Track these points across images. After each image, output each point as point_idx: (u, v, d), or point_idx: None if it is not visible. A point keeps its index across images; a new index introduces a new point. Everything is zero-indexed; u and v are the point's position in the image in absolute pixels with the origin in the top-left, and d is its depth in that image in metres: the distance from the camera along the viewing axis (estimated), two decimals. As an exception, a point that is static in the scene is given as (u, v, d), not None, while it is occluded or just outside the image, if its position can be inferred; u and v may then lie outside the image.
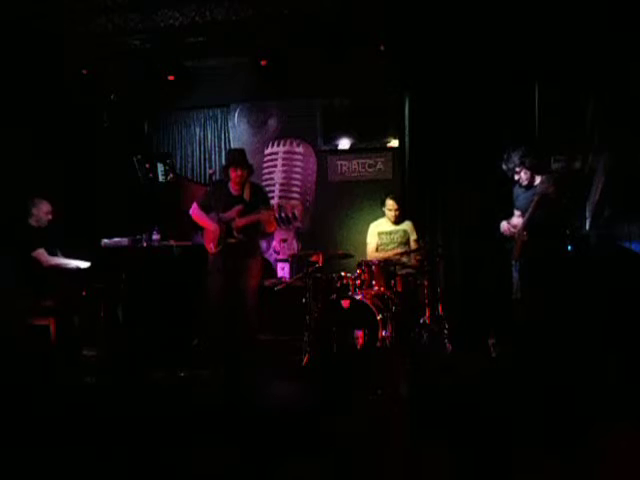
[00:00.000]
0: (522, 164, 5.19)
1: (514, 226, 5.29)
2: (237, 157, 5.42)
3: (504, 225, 5.40)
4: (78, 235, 6.26)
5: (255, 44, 6.77)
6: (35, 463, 3.14)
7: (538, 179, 5.20)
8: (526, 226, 5.18)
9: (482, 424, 3.55)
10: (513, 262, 5.62)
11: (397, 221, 6.33)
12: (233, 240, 5.21)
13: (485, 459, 3.13)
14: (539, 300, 5.21)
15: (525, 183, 5.24)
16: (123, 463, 3.15)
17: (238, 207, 5.26)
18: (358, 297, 5.50)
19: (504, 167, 5.31)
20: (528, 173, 5.20)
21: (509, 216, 5.42)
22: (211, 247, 5.28)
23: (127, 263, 5.90)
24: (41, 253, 5.59)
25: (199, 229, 5.57)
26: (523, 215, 5.22)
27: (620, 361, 4.51)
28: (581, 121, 6.06)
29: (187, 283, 5.76)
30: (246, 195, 5.35)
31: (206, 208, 5.39)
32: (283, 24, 6.40)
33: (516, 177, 5.27)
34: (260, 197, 5.42)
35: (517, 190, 5.37)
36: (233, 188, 5.38)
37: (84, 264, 5.79)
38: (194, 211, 5.42)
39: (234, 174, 5.31)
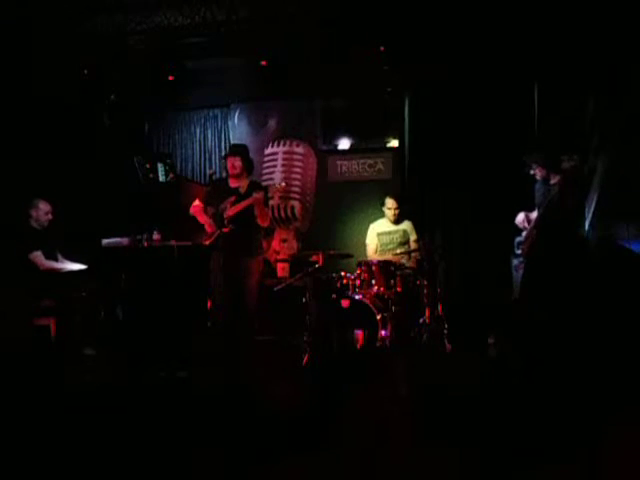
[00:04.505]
0: (535, 161, 5.34)
1: (529, 221, 5.44)
2: (235, 148, 5.48)
3: (521, 216, 5.54)
4: (78, 235, 6.26)
5: (255, 44, 6.77)
6: (35, 463, 3.14)
7: (555, 176, 5.31)
8: (536, 225, 5.29)
9: (482, 424, 3.56)
10: (517, 261, 5.67)
11: (397, 220, 6.33)
12: (226, 230, 5.20)
13: (486, 459, 3.14)
14: (539, 300, 5.22)
15: (539, 178, 5.37)
16: (123, 463, 3.15)
17: (230, 199, 5.25)
18: (358, 297, 5.50)
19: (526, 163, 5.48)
20: (543, 170, 5.34)
21: (530, 210, 5.55)
22: (205, 238, 5.31)
23: (127, 263, 5.90)
24: (37, 256, 5.59)
25: (200, 226, 5.58)
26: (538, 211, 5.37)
27: (620, 361, 4.51)
28: (581, 121, 6.06)
29: (187, 283, 5.77)
30: (242, 188, 5.36)
31: (207, 204, 5.40)
32: (283, 24, 6.40)
33: (532, 172, 5.40)
34: (256, 190, 5.41)
35: (537, 185, 5.47)
36: (232, 182, 5.40)
37: (79, 267, 5.80)
38: (193, 206, 5.41)
39: (229, 164, 5.36)
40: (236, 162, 5.33)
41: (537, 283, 5.30)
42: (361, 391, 4.23)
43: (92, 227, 6.47)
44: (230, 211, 5.20)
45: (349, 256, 6.14)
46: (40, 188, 6.13)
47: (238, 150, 5.44)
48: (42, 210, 5.75)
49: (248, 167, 5.45)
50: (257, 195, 5.13)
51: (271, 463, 3.13)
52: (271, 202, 6.31)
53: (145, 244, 6.00)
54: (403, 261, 6.12)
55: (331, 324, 5.43)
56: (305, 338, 5.56)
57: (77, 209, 6.65)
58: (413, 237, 6.33)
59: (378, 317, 5.30)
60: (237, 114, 7.87)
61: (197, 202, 5.42)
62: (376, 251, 6.35)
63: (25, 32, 6.35)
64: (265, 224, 5.47)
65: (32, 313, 5.47)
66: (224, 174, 5.76)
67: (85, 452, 3.24)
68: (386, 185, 7.06)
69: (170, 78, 7.25)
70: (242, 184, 5.37)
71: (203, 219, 5.36)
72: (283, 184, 5.74)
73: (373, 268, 5.74)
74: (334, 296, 5.65)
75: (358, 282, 5.73)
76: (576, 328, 4.93)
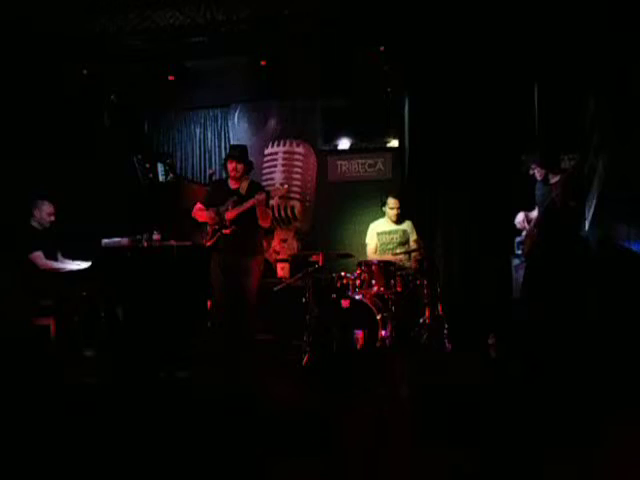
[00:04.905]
0: (533, 161, 5.34)
1: (529, 221, 5.44)
2: (235, 151, 5.48)
3: (520, 216, 5.55)
4: (78, 235, 6.26)
5: (255, 44, 6.78)
6: (35, 463, 3.14)
7: (554, 176, 5.30)
8: (537, 225, 5.29)
9: (482, 424, 3.56)
10: (517, 261, 5.67)
11: (398, 220, 6.33)
12: (227, 231, 5.20)
13: (485, 459, 3.14)
14: (540, 300, 5.22)
15: (540, 178, 5.37)
16: (123, 463, 3.15)
17: (232, 199, 5.27)
18: (358, 297, 5.50)
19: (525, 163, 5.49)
20: (542, 170, 5.34)
21: (530, 210, 5.56)
22: (206, 239, 5.32)
23: (127, 263, 5.90)
24: (37, 256, 5.59)
25: (201, 226, 5.59)
26: (539, 210, 5.38)
27: (620, 360, 4.51)
28: (581, 121, 6.06)
29: (187, 283, 5.76)
30: (242, 189, 5.36)
31: (208, 206, 5.42)
32: (283, 24, 6.41)
33: (531, 172, 5.40)
34: (257, 191, 5.41)
35: (537, 185, 5.47)
36: (232, 183, 5.41)
37: (80, 265, 5.80)
38: (195, 209, 5.44)
39: (230, 167, 5.36)
40: (238, 166, 5.35)
41: (538, 283, 5.30)
42: (361, 391, 4.23)
43: (92, 227, 6.46)
44: (231, 213, 5.21)
45: (349, 256, 6.14)
46: (40, 188, 6.13)
47: (239, 154, 5.43)
48: (45, 211, 5.75)
49: (249, 169, 5.48)
50: (259, 197, 5.16)
51: (271, 463, 3.14)
52: (271, 202, 6.31)
53: (145, 244, 5.99)
54: (403, 261, 6.12)
55: (331, 324, 5.42)
56: (305, 338, 5.56)
57: (77, 209, 6.65)
58: (413, 237, 6.33)
59: (378, 317, 5.30)
60: (237, 114, 7.87)
61: (199, 205, 5.45)
62: (376, 251, 6.35)
63: (25, 32, 6.36)
64: (266, 225, 5.48)
65: (32, 313, 5.46)
66: (224, 174, 5.76)
67: (85, 452, 3.25)
68: (386, 185, 7.06)
69: (170, 78, 7.25)
70: (242, 185, 5.38)
71: (205, 217, 5.37)
72: (285, 187, 5.75)
73: (373, 268, 5.73)
74: (334, 296, 5.65)
75: (358, 282, 5.72)
76: (576, 328, 4.93)
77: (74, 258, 5.92)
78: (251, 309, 5.28)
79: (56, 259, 5.82)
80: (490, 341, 5.58)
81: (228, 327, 5.24)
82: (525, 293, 5.51)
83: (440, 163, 6.76)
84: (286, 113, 7.72)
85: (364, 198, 7.08)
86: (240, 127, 7.85)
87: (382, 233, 6.36)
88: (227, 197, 5.31)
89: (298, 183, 7.54)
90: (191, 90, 7.55)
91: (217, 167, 7.72)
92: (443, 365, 5.34)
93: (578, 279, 5.16)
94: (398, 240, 6.30)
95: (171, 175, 6.92)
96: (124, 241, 6.04)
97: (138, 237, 6.03)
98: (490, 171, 6.45)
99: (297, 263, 6.83)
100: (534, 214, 5.49)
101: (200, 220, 5.44)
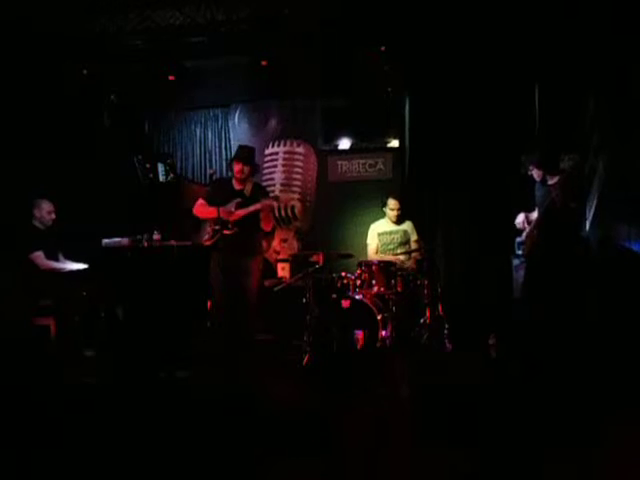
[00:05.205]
0: (531, 162, 5.34)
1: (530, 222, 5.44)
2: (242, 153, 5.48)
3: (521, 217, 5.56)
4: (78, 235, 6.26)
5: (255, 44, 6.78)
6: (35, 463, 3.14)
7: (552, 177, 5.30)
8: (537, 225, 5.29)
9: (482, 424, 3.55)
10: (517, 261, 5.67)
11: (398, 221, 6.33)
12: (228, 232, 5.20)
13: (485, 459, 3.14)
14: (540, 300, 5.23)
15: (538, 179, 5.37)
16: (122, 463, 3.15)
17: (237, 200, 5.27)
18: (358, 297, 5.50)
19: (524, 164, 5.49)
20: (540, 171, 5.34)
21: (530, 210, 5.56)
22: (206, 239, 5.31)
23: (127, 263, 5.90)
24: (38, 256, 5.59)
25: (201, 225, 5.57)
26: (539, 211, 5.38)
27: (620, 360, 4.51)
28: (581, 121, 6.06)
29: (187, 283, 5.77)
30: (247, 191, 5.37)
31: (210, 203, 5.41)
32: (283, 24, 6.41)
33: (529, 173, 5.40)
34: (261, 194, 5.42)
35: (537, 185, 5.47)
36: (236, 184, 5.41)
37: (80, 267, 5.81)
38: (197, 206, 5.41)
39: (236, 168, 5.35)
40: (245, 168, 5.34)
41: (538, 283, 5.30)
42: (361, 391, 4.23)
43: (92, 227, 6.46)
44: (236, 215, 5.21)
45: (349, 256, 6.13)
46: (41, 188, 6.14)
47: (247, 156, 5.42)
48: (45, 210, 5.76)
49: (254, 171, 5.49)
50: (267, 202, 5.20)
51: (271, 463, 3.14)
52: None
53: (145, 244, 5.99)
54: (403, 260, 6.12)
55: (331, 324, 5.42)
56: (305, 338, 5.56)
57: (77, 209, 6.65)
58: (414, 237, 6.33)
59: (378, 317, 5.30)
60: (237, 114, 7.87)
61: (201, 200, 5.44)
62: (377, 251, 6.35)
63: (25, 32, 6.36)
64: (268, 229, 5.48)
65: (32, 313, 5.47)
66: (228, 174, 5.76)
67: (84, 452, 3.24)
68: (386, 185, 7.06)
69: (170, 78, 7.25)
70: (247, 187, 5.38)
71: (208, 213, 5.34)
72: (280, 202, 5.74)
73: (373, 268, 5.73)
74: (334, 296, 5.65)
75: (358, 282, 5.72)
76: (576, 328, 4.93)
77: (75, 258, 5.92)
78: (251, 309, 5.28)
79: (57, 260, 5.82)
80: (490, 341, 5.58)
81: (228, 327, 5.24)
82: (525, 293, 5.52)
83: (440, 163, 6.75)
84: (286, 113, 7.71)
85: (364, 198, 7.08)
86: (240, 127, 7.85)
87: (383, 233, 6.36)
88: (230, 197, 5.31)
89: (298, 183, 7.55)
90: (191, 90, 7.55)
91: (217, 167, 7.73)
92: (443, 365, 5.34)
93: (578, 279, 5.16)
94: (399, 240, 6.30)
95: (171, 175, 6.92)
96: (124, 241, 6.04)
97: (138, 237, 6.03)
98: (490, 171, 6.45)
99: (297, 263, 6.83)
100: (534, 215, 5.49)
101: (202, 217, 5.41)
